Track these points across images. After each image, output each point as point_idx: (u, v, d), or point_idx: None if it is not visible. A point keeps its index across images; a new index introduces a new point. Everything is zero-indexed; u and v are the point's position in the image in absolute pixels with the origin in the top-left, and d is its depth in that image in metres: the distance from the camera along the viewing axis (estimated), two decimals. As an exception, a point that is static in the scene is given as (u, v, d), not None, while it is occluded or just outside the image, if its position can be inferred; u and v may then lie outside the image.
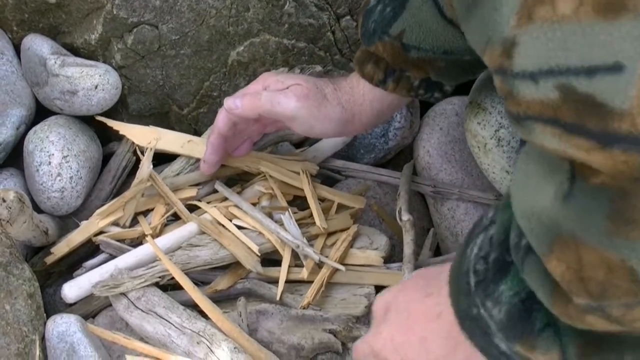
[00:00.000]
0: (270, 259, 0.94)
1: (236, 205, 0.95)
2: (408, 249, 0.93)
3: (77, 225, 0.94)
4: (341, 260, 0.93)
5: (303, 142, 1.05)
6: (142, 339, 0.86)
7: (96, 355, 0.84)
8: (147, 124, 1.01)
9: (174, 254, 0.90)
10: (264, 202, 0.96)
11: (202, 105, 1.02)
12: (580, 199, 0.44)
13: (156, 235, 0.93)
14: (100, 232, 0.93)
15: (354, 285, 0.93)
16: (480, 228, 0.61)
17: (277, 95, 0.85)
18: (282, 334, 0.86)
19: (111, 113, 1.01)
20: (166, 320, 0.85)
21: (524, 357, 0.56)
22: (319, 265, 0.92)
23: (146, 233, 0.92)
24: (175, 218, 0.96)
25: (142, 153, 0.96)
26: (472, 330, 0.60)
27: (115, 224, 0.94)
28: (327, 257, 0.92)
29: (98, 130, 1.03)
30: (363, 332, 0.87)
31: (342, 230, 0.96)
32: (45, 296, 0.92)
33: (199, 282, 0.91)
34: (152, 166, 0.94)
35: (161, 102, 1.02)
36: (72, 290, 0.89)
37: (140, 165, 0.95)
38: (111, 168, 1.01)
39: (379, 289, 0.93)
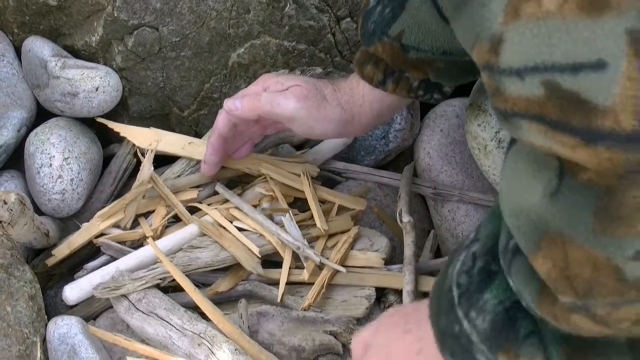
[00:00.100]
0: (271, 260, 0.94)
1: (237, 207, 0.95)
2: (409, 250, 0.93)
3: (78, 227, 0.94)
4: (342, 262, 0.93)
5: (303, 144, 1.05)
6: (143, 340, 0.86)
7: (97, 357, 0.84)
8: (147, 125, 1.01)
9: (175, 256, 0.90)
10: (265, 204, 0.96)
11: (202, 107, 1.02)
12: (568, 196, 0.44)
13: (157, 237, 0.93)
14: (101, 234, 0.93)
15: (355, 286, 0.93)
16: (462, 248, 0.61)
17: (276, 97, 0.85)
18: (283, 335, 0.86)
19: (112, 115, 1.01)
20: (167, 322, 0.85)
21: None
22: (320, 267, 0.92)
23: (147, 235, 0.92)
24: (176, 220, 0.96)
25: (143, 155, 0.96)
26: (452, 350, 0.60)
27: (116, 226, 0.94)
28: (327, 258, 0.92)
29: (99, 132, 1.03)
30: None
31: (343, 232, 0.96)
32: (47, 298, 0.92)
33: (200, 284, 0.91)
34: (152, 168, 0.94)
35: (162, 104, 1.02)
36: (73, 292, 0.89)
37: (141, 167, 0.95)
38: (112, 170, 1.01)
39: (379, 290, 0.94)
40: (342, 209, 0.99)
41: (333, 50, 1.03)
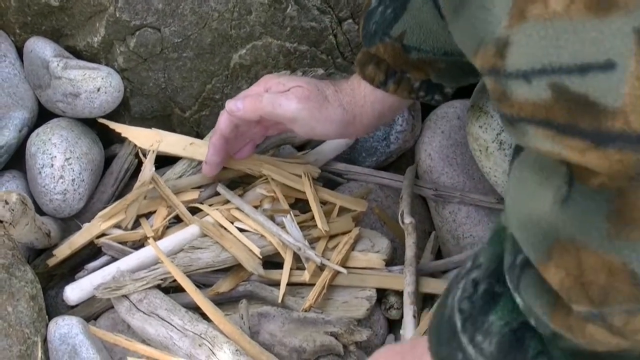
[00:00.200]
0: (272, 261, 0.94)
1: (238, 208, 0.95)
2: (410, 251, 0.93)
3: (79, 228, 0.94)
4: (343, 263, 0.93)
5: (305, 145, 1.05)
6: (144, 341, 0.86)
7: (98, 357, 0.84)
8: (149, 126, 1.01)
9: (176, 257, 0.90)
10: (266, 205, 0.96)
11: (204, 108, 1.02)
12: (579, 202, 0.44)
13: (158, 237, 0.93)
14: (103, 235, 0.93)
15: (356, 287, 0.93)
16: (460, 277, 0.60)
17: (278, 97, 0.85)
18: (284, 336, 0.87)
19: (113, 116, 1.01)
20: (168, 323, 0.85)
21: None
22: (321, 267, 0.92)
23: (148, 235, 0.92)
24: (177, 220, 0.96)
25: (144, 155, 0.97)
26: None
27: (118, 226, 0.94)
28: (328, 259, 0.92)
29: (100, 132, 1.03)
30: (364, 335, 0.87)
31: (344, 233, 0.96)
32: (47, 298, 0.92)
33: (201, 285, 0.91)
34: (154, 169, 0.94)
35: (163, 105, 1.02)
36: (74, 292, 0.89)
37: (142, 168, 0.95)
38: (113, 170, 1.01)
39: (380, 291, 0.94)
40: (343, 210, 0.99)
41: (335, 52, 1.03)
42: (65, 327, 0.85)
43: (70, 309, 0.92)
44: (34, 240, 0.91)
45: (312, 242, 0.94)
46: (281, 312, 0.88)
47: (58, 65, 0.96)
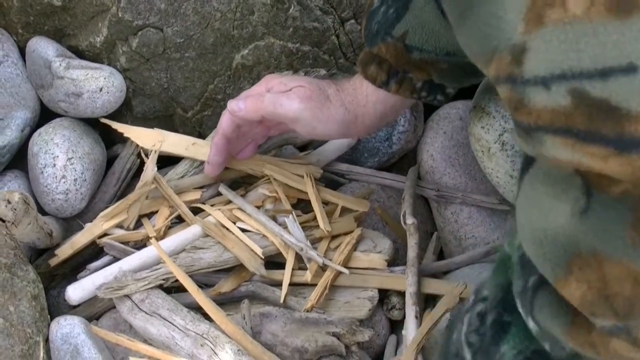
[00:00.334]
0: (274, 261, 0.94)
1: (240, 208, 0.95)
2: (412, 252, 0.93)
3: (81, 228, 0.94)
4: (345, 264, 0.93)
5: (307, 146, 1.05)
6: (146, 341, 0.86)
7: (100, 357, 0.84)
8: (151, 126, 1.01)
9: (178, 257, 0.90)
10: (268, 205, 0.96)
11: (206, 108, 1.02)
12: (599, 212, 0.42)
13: (160, 237, 0.93)
14: (104, 235, 0.93)
15: (358, 288, 0.93)
16: (463, 313, 0.60)
17: (280, 97, 0.85)
18: (286, 336, 0.86)
19: (116, 115, 1.01)
20: (170, 323, 0.85)
21: None
22: (323, 268, 0.92)
23: (150, 235, 0.92)
24: (179, 220, 0.96)
25: (147, 156, 0.96)
26: None
27: (120, 226, 0.94)
28: (330, 260, 0.92)
29: (102, 132, 1.03)
30: (366, 335, 0.87)
31: (346, 234, 0.96)
32: (49, 298, 0.92)
33: (203, 285, 0.91)
34: (156, 169, 0.94)
35: (165, 105, 1.02)
36: (76, 292, 0.89)
37: (144, 168, 0.95)
38: (115, 170, 1.01)
39: (382, 292, 0.94)
40: (345, 211, 0.99)
41: (337, 52, 1.03)
42: (67, 327, 0.85)
43: (72, 309, 0.92)
44: (36, 240, 0.91)
45: (314, 242, 0.94)
46: (283, 312, 0.88)
47: (60, 65, 0.96)
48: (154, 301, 0.86)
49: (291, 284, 0.91)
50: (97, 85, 0.96)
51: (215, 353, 0.82)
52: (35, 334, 0.83)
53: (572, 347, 0.49)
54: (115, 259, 0.92)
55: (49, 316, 0.87)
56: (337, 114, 0.85)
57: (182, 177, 0.98)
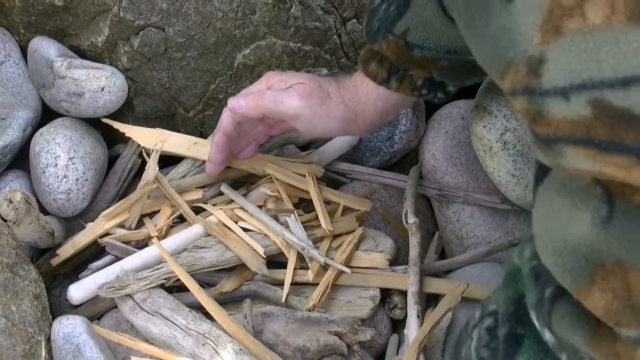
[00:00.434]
0: (276, 261, 0.94)
1: (242, 208, 0.95)
2: (414, 251, 0.93)
3: (83, 227, 0.94)
4: (346, 263, 0.93)
5: (309, 145, 1.05)
6: (148, 340, 0.86)
7: (102, 356, 0.84)
8: (153, 126, 1.01)
9: (180, 256, 0.90)
10: (270, 205, 0.96)
11: (208, 107, 1.02)
12: (623, 220, 0.42)
13: (162, 237, 0.93)
14: (106, 234, 0.93)
15: (359, 287, 0.93)
16: (470, 329, 0.59)
17: (280, 94, 0.85)
18: (288, 336, 0.86)
19: (117, 115, 1.01)
20: (172, 322, 0.85)
21: None
22: (325, 267, 0.92)
23: (152, 235, 0.92)
24: (181, 220, 0.96)
25: (148, 155, 0.97)
26: None
27: (121, 225, 0.94)
28: (332, 259, 0.92)
29: (104, 132, 1.03)
30: (368, 335, 0.87)
31: (348, 233, 0.96)
32: (51, 297, 0.92)
33: (205, 284, 0.91)
34: (158, 168, 0.94)
35: (167, 105, 1.02)
36: (77, 291, 0.89)
37: (146, 168, 0.95)
38: (117, 170, 1.01)
39: (384, 291, 0.94)
40: (347, 210, 0.99)
41: (339, 52, 1.03)
42: (69, 327, 0.85)
43: (74, 309, 0.92)
44: (38, 240, 0.91)
45: (316, 241, 0.94)
46: (285, 311, 0.88)
47: (62, 64, 0.96)
48: (155, 301, 0.86)
49: (293, 284, 0.91)
50: (99, 85, 0.96)
51: (216, 352, 0.82)
52: (37, 333, 0.83)
53: (595, 358, 0.48)
54: (117, 259, 0.92)
55: (50, 316, 0.87)
56: (338, 111, 0.85)
57: (184, 176, 0.98)
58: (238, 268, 0.92)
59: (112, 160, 1.02)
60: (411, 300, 0.89)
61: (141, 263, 0.90)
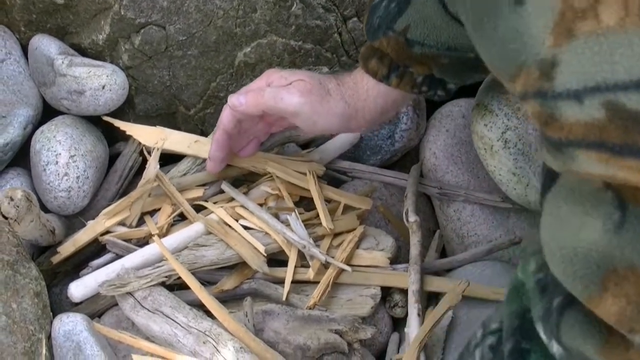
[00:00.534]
0: (277, 259, 0.94)
1: (242, 206, 0.95)
2: (415, 250, 0.93)
3: (84, 225, 0.94)
4: (347, 261, 0.93)
5: (309, 143, 1.05)
6: (148, 338, 0.86)
7: (102, 354, 0.84)
8: (153, 124, 1.01)
9: (181, 254, 0.90)
10: (271, 203, 0.96)
11: (208, 105, 1.02)
12: (636, 225, 0.41)
13: (163, 235, 0.93)
14: (107, 232, 0.93)
15: (360, 285, 0.93)
16: (472, 348, 0.59)
17: (280, 91, 0.84)
18: (288, 334, 0.86)
19: (118, 113, 1.01)
20: (172, 320, 0.85)
21: None
22: (325, 265, 0.92)
23: (153, 233, 0.92)
24: (182, 218, 0.96)
25: (149, 153, 0.96)
26: None
27: (122, 223, 0.94)
28: (333, 257, 0.92)
29: (105, 130, 1.03)
30: (369, 333, 0.87)
31: (349, 231, 0.96)
32: (52, 295, 0.92)
33: (205, 282, 0.91)
34: (158, 166, 0.94)
35: (168, 103, 1.02)
36: (78, 289, 0.89)
37: (147, 166, 0.95)
38: (118, 168, 1.01)
39: (385, 289, 0.94)
40: (347, 208, 0.99)
41: (339, 50, 1.03)
42: (70, 324, 0.85)
43: (75, 306, 0.92)
44: (39, 237, 0.91)
45: (317, 240, 0.94)
46: (285, 309, 0.88)
47: (63, 62, 0.96)
48: (156, 298, 0.86)
49: (294, 282, 0.91)
50: (100, 83, 0.96)
51: (217, 350, 0.82)
52: (38, 331, 0.83)
53: None
54: (118, 257, 0.92)
55: (51, 313, 0.87)
56: (337, 108, 0.84)
57: (185, 174, 0.98)
58: (239, 266, 0.92)
59: (112, 158, 1.02)
60: (412, 299, 0.89)
61: (142, 261, 0.90)
